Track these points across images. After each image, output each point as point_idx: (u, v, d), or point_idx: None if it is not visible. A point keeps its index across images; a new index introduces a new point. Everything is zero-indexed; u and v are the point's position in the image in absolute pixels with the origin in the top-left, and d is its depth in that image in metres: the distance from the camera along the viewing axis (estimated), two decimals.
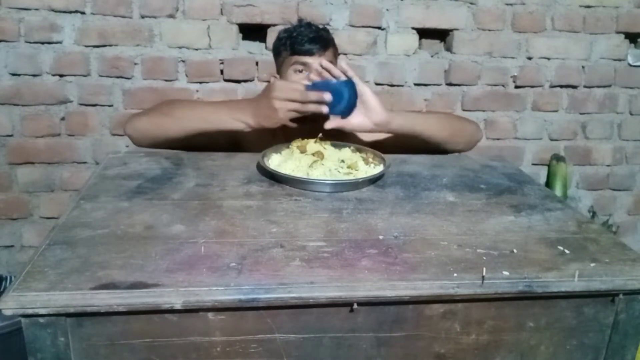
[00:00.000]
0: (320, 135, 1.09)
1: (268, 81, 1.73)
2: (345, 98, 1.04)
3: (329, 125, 1.06)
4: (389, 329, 0.67)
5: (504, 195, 0.95)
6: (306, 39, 1.17)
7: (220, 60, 1.76)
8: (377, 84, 1.84)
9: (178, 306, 0.60)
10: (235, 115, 1.07)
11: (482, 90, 1.91)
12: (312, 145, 1.04)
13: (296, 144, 1.04)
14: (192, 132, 1.11)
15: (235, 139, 1.24)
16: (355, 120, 1.07)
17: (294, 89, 1.02)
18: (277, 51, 1.24)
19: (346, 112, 1.06)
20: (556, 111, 1.97)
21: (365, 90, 1.06)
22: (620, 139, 2.03)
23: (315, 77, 1.10)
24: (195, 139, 1.14)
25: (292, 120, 1.04)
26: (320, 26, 1.24)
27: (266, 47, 1.77)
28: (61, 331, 0.60)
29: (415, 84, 1.87)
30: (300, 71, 1.20)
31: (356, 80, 1.06)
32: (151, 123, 1.13)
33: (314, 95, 1.01)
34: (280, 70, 1.25)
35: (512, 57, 1.88)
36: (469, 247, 0.74)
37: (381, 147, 1.09)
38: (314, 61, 1.17)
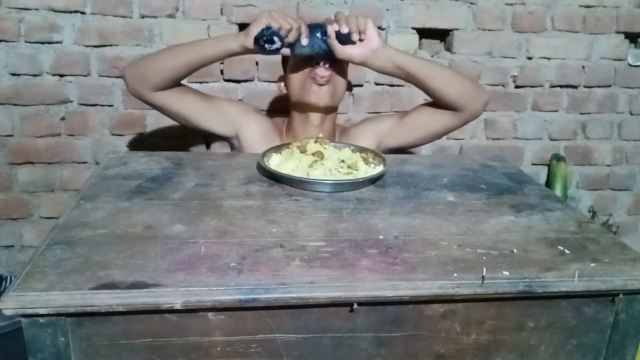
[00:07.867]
0: (320, 134, 1.09)
1: (270, 81, 1.74)
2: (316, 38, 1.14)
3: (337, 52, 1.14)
4: (389, 329, 0.67)
5: (504, 195, 0.95)
6: None
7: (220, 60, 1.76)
8: (377, 84, 1.83)
9: (178, 306, 0.60)
10: (228, 37, 1.12)
11: None
12: (312, 145, 1.04)
13: (296, 144, 1.04)
14: (188, 63, 1.13)
15: (237, 129, 1.25)
16: (354, 50, 1.15)
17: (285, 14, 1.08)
18: None
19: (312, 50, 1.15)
20: (556, 111, 1.97)
21: (369, 25, 1.16)
22: (620, 139, 2.03)
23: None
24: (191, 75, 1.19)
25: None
26: None
27: None
28: (61, 331, 0.60)
29: None
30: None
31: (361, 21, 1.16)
32: (148, 59, 1.17)
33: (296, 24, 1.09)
34: (286, 62, 1.27)
35: (512, 57, 1.88)
36: (469, 247, 0.74)
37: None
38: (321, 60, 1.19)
